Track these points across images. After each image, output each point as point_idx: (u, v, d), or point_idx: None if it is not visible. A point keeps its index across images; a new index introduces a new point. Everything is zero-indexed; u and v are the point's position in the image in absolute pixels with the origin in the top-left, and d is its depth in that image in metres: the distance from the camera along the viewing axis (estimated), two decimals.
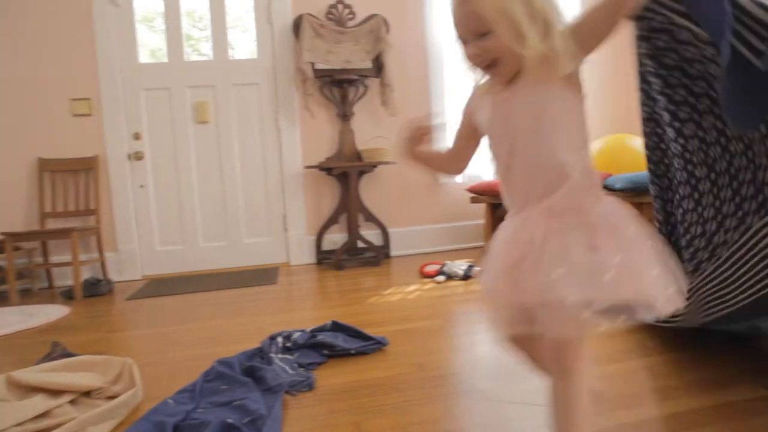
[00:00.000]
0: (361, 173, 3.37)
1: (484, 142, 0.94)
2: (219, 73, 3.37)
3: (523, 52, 0.77)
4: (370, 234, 3.38)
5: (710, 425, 1.07)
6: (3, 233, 2.85)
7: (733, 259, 0.94)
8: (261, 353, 1.64)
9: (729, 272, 0.95)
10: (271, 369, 1.49)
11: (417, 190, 3.50)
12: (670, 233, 1.15)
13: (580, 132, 0.84)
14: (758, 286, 0.89)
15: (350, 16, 3.39)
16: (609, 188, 2.56)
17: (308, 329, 1.80)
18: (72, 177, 3.20)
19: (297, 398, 1.36)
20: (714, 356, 1.41)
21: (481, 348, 1.65)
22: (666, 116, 1.15)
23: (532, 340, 0.86)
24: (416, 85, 3.48)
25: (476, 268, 2.66)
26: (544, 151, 0.82)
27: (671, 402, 1.17)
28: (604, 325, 0.78)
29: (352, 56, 3.32)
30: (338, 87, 3.38)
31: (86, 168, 3.19)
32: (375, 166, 3.33)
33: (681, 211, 1.14)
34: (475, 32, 0.80)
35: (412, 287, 2.54)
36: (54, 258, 3.15)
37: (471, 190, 3.22)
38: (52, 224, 3.16)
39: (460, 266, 2.67)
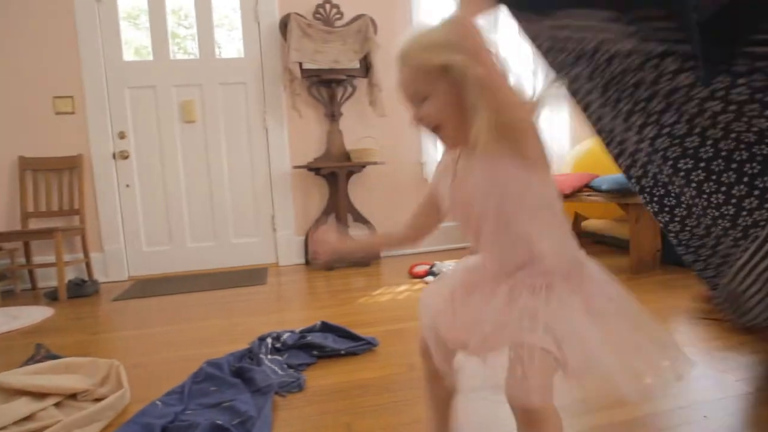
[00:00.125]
0: (350, 173, 3.37)
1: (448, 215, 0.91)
2: (205, 72, 3.34)
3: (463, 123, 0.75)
4: (359, 234, 3.39)
5: (697, 423, 1.09)
6: None
7: None
8: (250, 354, 1.64)
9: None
10: (260, 370, 1.49)
11: (406, 191, 3.51)
12: (683, 224, 1.06)
13: (548, 210, 0.81)
14: None
15: (338, 15, 3.38)
16: (596, 189, 2.60)
17: (298, 330, 1.80)
18: (55, 176, 3.14)
19: (287, 399, 1.36)
20: (704, 352, 1.45)
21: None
22: (619, 126, 1.06)
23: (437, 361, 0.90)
24: None
25: None
26: (511, 235, 0.80)
27: (659, 401, 1.20)
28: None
29: (339, 56, 3.32)
30: (326, 87, 3.37)
31: (70, 167, 3.14)
32: (363, 167, 3.33)
33: (685, 202, 1.04)
34: (413, 97, 0.80)
35: (402, 288, 2.55)
36: (37, 259, 3.10)
37: None
38: (34, 224, 3.10)
39: (449, 267, 2.69)
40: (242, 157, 3.41)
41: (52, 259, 2.90)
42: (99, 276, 3.17)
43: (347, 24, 3.36)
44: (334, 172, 3.25)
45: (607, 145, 1.08)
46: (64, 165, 3.13)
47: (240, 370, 1.50)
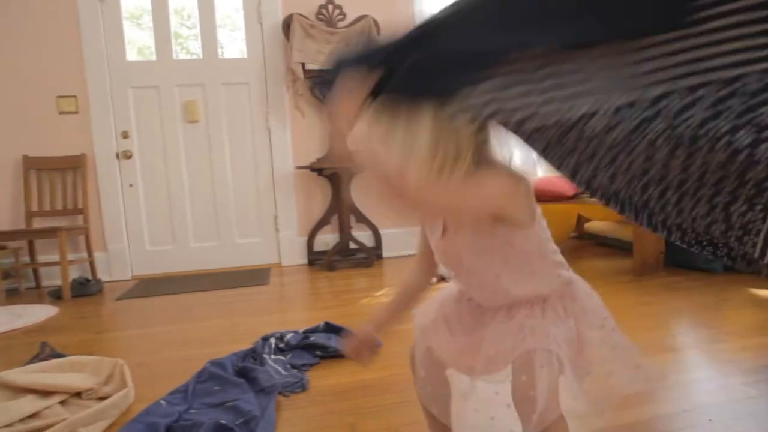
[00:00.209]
0: (352, 174, 3.37)
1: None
2: (208, 72, 3.35)
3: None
4: (362, 235, 3.39)
5: (702, 426, 1.09)
6: None
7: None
8: (254, 354, 1.64)
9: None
10: (263, 370, 1.49)
11: None
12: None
13: (539, 258, 0.82)
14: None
15: (340, 16, 3.39)
16: None
17: (301, 330, 1.80)
18: (59, 175, 3.15)
19: (290, 399, 1.36)
20: (708, 355, 1.45)
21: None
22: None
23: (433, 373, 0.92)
24: None
25: None
26: (501, 287, 0.82)
27: (664, 404, 1.20)
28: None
29: None
30: (329, 87, 3.37)
31: (73, 166, 3.15)
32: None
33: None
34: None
35: None
36: (41, 257, 3.11)
37: None
38: (38, 223, 3.12)
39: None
40: (245, 157, 3.41)
41: (56, 258, 2.91)
42: (102, 275, 3.18)
43: (350, 25, 3.36)
44: (337, 173, 3.25)
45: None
46: (67, 164, 3.14)
47: (243, 369, 1.51)
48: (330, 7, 3.38)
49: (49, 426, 1.21)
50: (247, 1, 3.34)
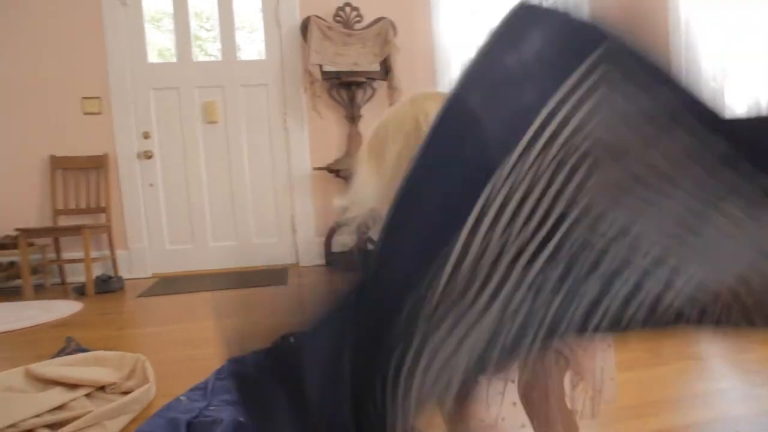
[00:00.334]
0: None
1: None
2: (227, 73, 3.40)
3: None
4: None
5: None
6: (17, 229, 2.89)
7: None
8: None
9: None
10: None
11: None
12: None
13: None
14: None
15: (357, 18, 3.41)
16: None
17: None
18: (83, 175, 3.23)
19: None
20: (734, 365, 1.42)
21: None
22: None
23: None
24: (424, 87, 3.49)
25: None
26: None
27: (689, 413, 1.18)
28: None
29: (359, 59, 3.34)
30: (346, 89, 3.40)
31: (97, 166, 3.23)
32: None
33: None
34: None
35: None
36: (66, 254, 3.19)
37: None
38: (64, 221, 3.20)
39: None
40: (263, 158, 3.45)
41: (80, 255, 2.98)
42: (123, 272, 3.24)
43: (367, 27, 3.38)
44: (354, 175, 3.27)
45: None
46: (91, 164, 3.22)
47: None
48: (347, 9, 3.40)
49: (75, 417, 1.24)
50: (265, 4, 3.38)
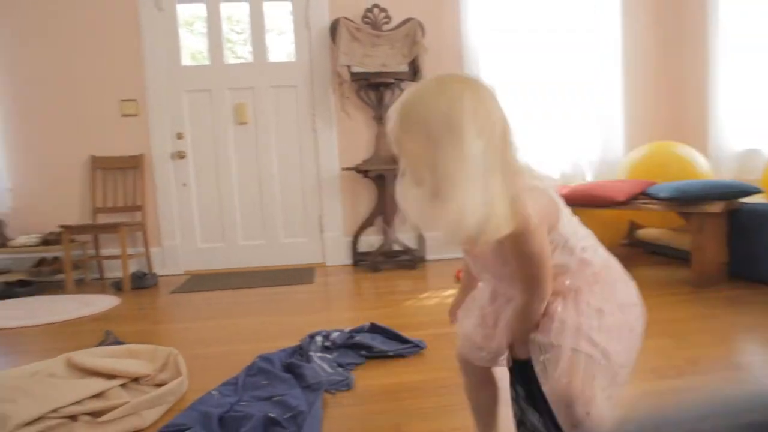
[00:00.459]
0: (397, 176, 3.38)
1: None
2: (257, 75, 3.45)
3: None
4: (406, 237, 3.39)
5: None
6: (61, 226, 3.02)
7: None
8: (300, 351, 1.67)
9: None
10: (310, 367, 1.52)
11: None
12: None
13: (566, 253, 0.81)
14: None
15: (386, 20, 3.41)
16: (653, 197, 2.49)
17: (346, 329, 1.82)
18: (121, 174, 3.34)
19: (336, 397, 1.38)
20: None
21: None
22: None
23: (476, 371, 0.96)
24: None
25: None
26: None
27: None
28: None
29: (388, 60, 3.35)
30: (374, 90, 3.41)
31: (133, 166, 3.33)
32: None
33: None
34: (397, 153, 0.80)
35: (449, 292, 2.54)
36: (104, 251, 3.31)
37: None
38: (102, 219, 3.31)
39: None
40: (292, 158, 3.50)
41: (117, 251, 3.08)
42: (157, 269, 3.34)
43: (395, 28, 3.38)
44: (382, 175, 3.28)
45: None
46: (128, 164, 3.33)
47: (291, 365, 1.55)
48: (376, 10, 3.41)
49: (114, 407, 1.29)
50: (295, 6, 3.42)
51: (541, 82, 3.45)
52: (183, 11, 3.44)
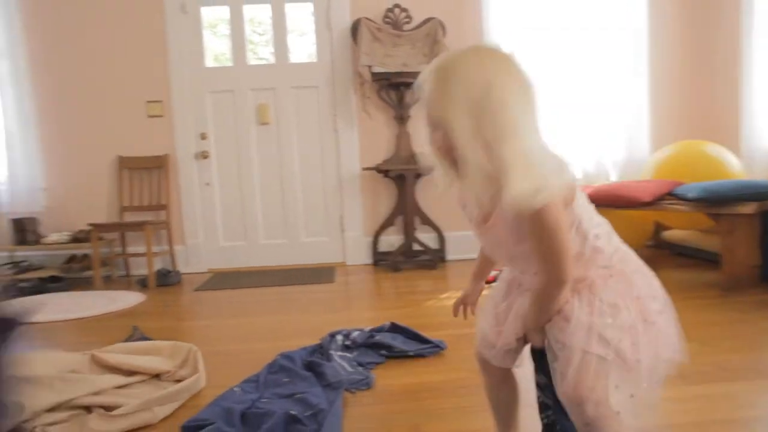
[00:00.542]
0: (418, 176, 3.38)
1: None
2: (279, 76, 3.49)
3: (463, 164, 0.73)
4: (427, 237, 3.39)
5: None
6: (90, 224, 3.11)
7: None
8: (321, 349, 1.69)
9: None
10: (330, 365, 1.53)
11: None
12: None
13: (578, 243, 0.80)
14: None
15: (407, 19, 3.41)
16: (681, 197, 2.42)
17: (367, 329, 1.83)
18: (146, 174, 3.42)
19: (356, 396, 1.39)
20: None
21: None
22: None
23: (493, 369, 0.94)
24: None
25: None
26: (534, 271, 0.81)
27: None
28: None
29: (409, 59, 3.35)
30: (395, 90, 3.41)
31: (158, 166, 3.41)
32: (432, 169, 3.32)
33: None
34: (434, 123, 0.77)
35: None
36: (131, 248, 3.40)
37: None
38: (129, 217, 3.40)
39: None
40: (313, 158, 3.52)
41: (143, 249, 3.16)
42: (181, 267, 3.40)
43: (416, 27, 3.38)
44: (403, 175, 3.28)
45: None
46: (153, 164, 3.41)
47: (311, 364, 1.56)
48: (397, 10, 3.40)
49: (128, 402, 1.32)
50: (317, 8, 3.45)
51: (562, 80, 3.39)
52: (207, 14, 3.50)
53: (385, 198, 3.50)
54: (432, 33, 3.35)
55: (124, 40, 3.38)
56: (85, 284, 3.14)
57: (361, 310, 2.38)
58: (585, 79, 3.40)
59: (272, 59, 3.52)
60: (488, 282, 1.03)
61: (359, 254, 3.49)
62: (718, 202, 2.23)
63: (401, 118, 3.42)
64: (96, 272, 3.10)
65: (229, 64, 3.52)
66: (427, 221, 3.40)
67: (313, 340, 1.76)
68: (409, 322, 1.86)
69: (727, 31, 3.22)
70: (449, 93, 0.73)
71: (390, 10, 3.40)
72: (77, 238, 3.21)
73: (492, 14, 3.39)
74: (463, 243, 3.41)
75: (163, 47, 3.39)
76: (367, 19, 3.32)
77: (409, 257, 3.30)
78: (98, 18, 3.36)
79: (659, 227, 3.23)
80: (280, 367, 1.56)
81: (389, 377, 1.50)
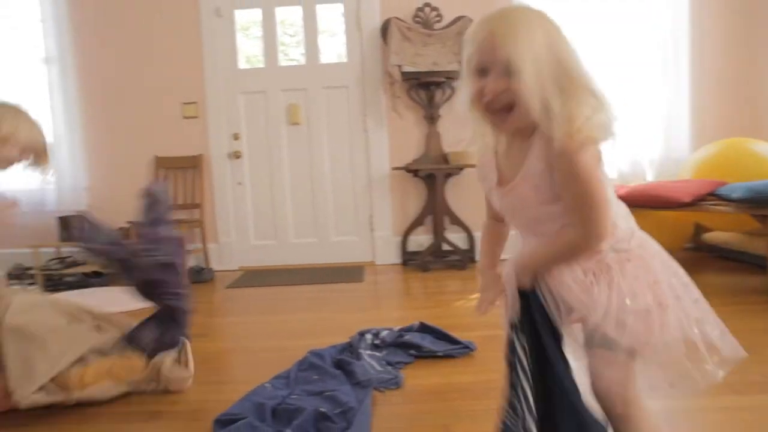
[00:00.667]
0: (448, 176, 3.36)
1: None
2: (310, 76, 3.53)
3: (537, 109, 0.72)
4: (456, 237, 3.36)
5: None
6: (129, 222, 3.21)
7: None
8: (350, 348, 1.70)
9: None
10: (360, 364, 1.54)
11: None
12: None
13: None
14: None
15: (437, 18, 3.39)
16: (724, 197, 2.32)
17: (396, 328, 1.83)
18: (181, 174, 3.52)
19: (385, 395, 1.39)
20: None
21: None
22: None
23: None
24: None
25: None
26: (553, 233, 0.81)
27: None
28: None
29: (439, 58, 3.33)
30: (425, 89, 3.39)
31: (193, 165, 3.50)
32: (461, 169, 3.30)
33: None
34: (503, 66, 0.73)
35: None
36: None
37: None
38: None
39: None
40: (343, 158, 3.55)
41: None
42: (214, 264, 3.49)
43: (447, 26, 3.35)
44: (432, 174, 3.26)
45: None
46: (188, 164, 3.50)
47: (341, 362, 1.57)
48: (427, 9, 3.39)
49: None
50: (347, 8, 3.47)
51: (597, 74, 3.28)
52: (240, 17, 3.58)
53: (415, 198, 3.49)
54: (463, 31, 3.31)
55: (162, 45, 3.49)
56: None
57: (390, 310, 2.38)
58: (621, 73, 3.24)
59: (303, 60, 3.57)
60: None
61: (388, 254, 3.49)
62: (765, 203, 2.13)
63: (431, 118, 3.41)
64: None
65: (261, 65, 3.58)
66: (456, 221, 3.37)
67: (342, 339, 1.77)
68: (438, 322, 1.85)
69: None
70: (521, 36, 0.73)
71: (420, 9, 3.39)
72: None
73: None
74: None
75: (198, 50, 3.48)
76: (397, 18, 3.32)
77: (438, 257, 3.28)
78: (138, 24, 3.48)
79: (699, 229, 3.10)
80: (309, 364, 1.58)
81: (418, 377, 1.49)
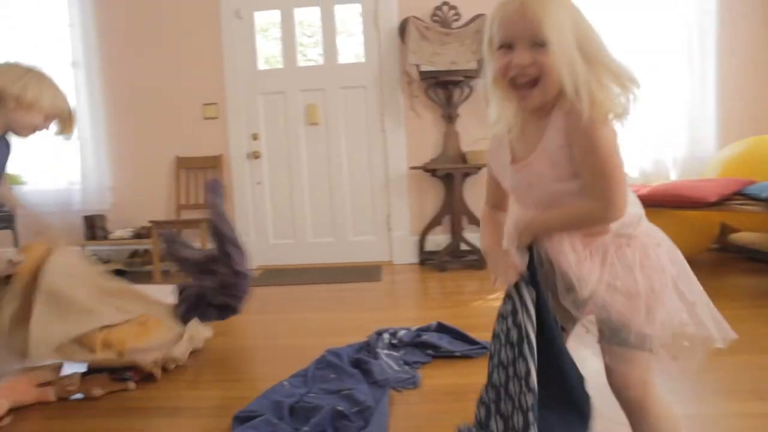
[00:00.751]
0: (466, 175, 3.34)
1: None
2: (328, 77, 3.54)
3: (566, 82, 0.73)
4: (474, 237, 3.33)
5: None
6: (150, 221, 3.29)
7: None
8: (368, 347, 1.70)
9: None
10: (377, 363, 1.54)
11: None
12: None
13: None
14: None
15: (455, 17, 3.37)
16: (752, 197, 2.26)
17: (413, 328, 1.83)
18: (202, 173, 3.58)
19: (402, 395, 1.39)
20: None
21: (592, 362, 1.55)
22: None
23: None
24: None
25: None
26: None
27: None
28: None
29: (457, 57, 3.31)
30: (443, 88, 3.38)
31: (213, 165, 3.55)
32: (479, 168, 3.28)
33: None
34: (532, 37, 0.73)
35: None
36: None
37: None
38: (185, 215, 3.56)
39: None
40: (361, 157, 3.56)
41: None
42: None
43: (465, 25, 3.33)
44: (450, 174, 3.24)
45: None
46: (208, 164, 3.55)
47: (358, 361, 1.57)
48: (445, 8, 3.37)
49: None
50: (365, 8, 3.48)
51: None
52: (259, 18, 3.62)
53: (432, 197, 3.48)
54: (481, 29, 3.29)
55: (183, 48, 3.55)
56: (146, 278, 3.33)
57: (407, 309, 2.38)
58: (645, 69, 3.11)
59: (321, 60, 3.59)
60: None
61: (406, 253, 3.49)
62: None
63: (449, 117, 3.39)
64: (156, 266, 3.28)
65: (280, 66, 3.62)
66: (474, 221, 3.35)
67: (359, 338, 1.77)
68: (456, 322, 1.84)
69: None
70: (550, 8, 0.74)
71: (438, 8, 3.38)
72: (139, 234, 3.40)
73: None
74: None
75: (218, 52, 3.53)
76: (415, 17, 3.32)
77: (455, 257, 3.27)
78: (160, 27, 3.55)
79: (726, 229, 3.02)
80: (327, 363, 1.59)
81: (435, 377, 1.49)
